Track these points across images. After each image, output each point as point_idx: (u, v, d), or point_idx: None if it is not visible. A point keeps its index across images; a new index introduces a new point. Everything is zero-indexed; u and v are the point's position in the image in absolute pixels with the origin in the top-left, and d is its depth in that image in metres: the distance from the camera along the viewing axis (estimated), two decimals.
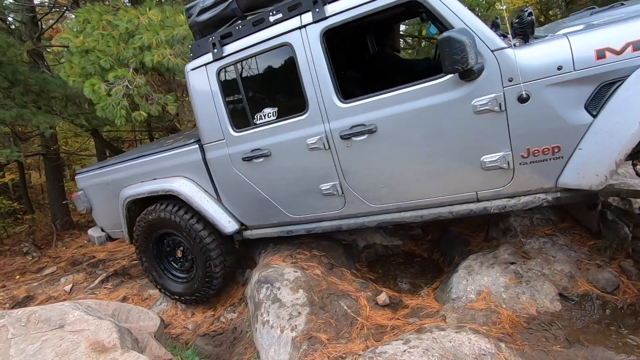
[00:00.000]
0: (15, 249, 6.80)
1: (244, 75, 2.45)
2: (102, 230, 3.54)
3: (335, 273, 2.68)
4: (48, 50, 7.40)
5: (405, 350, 1.73)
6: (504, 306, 2.08)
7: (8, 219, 8.52)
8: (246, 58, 2.38)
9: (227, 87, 2.50)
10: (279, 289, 2.45)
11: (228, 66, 2.44)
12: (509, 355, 1.70)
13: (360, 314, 2.28)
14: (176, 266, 3.14)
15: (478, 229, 3.12)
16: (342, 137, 2.21)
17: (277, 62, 2.42)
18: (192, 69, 2.56)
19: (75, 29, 3.73)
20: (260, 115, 2.43)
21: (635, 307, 1.98)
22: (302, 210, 2.54)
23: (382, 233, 3.28)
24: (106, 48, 3.58)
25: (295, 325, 2.22)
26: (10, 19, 6.83)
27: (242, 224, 2.78)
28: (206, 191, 2.75)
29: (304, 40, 2.19)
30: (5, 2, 5.99)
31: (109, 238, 3.54)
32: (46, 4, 7.62)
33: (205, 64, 2.49)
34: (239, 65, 2.42)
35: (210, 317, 3.01)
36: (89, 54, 3.65)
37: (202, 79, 2.52)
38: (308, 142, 2.30)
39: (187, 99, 7.13)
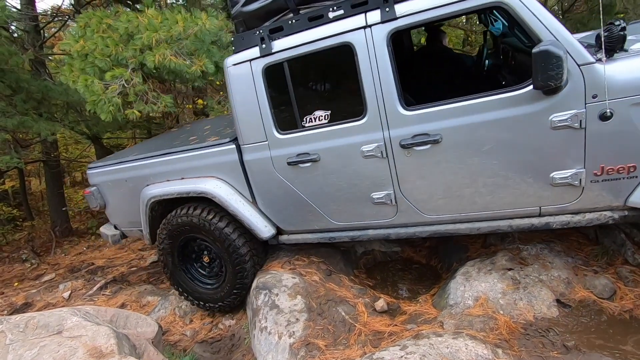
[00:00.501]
0: (14, 256, 6.78)
1: (294, 74, 2.26)
2: (116, 228, 3.32)
3: (334, 279, 2.69)
4: (50, 58, 7.48)
5: (402, 357, 1.73)
6: (501, 312, 2.09)
7: (7, 226, 8.51)
8: (298, 56, 2.18)
9: (274, 86, 2.32)
10: (277, 295, 2.45)
11: (277, 63, 2.25)
12: None
13: (358, 320, 2.28)
14: (201, 271, 2.98)
15: (476, 236, 3.13)
16: (402, 146, 2.09)
17: (333, 63, 2.27)
18: (234, 64, 2.35)
19: (75, 34, 3.74)
20: (310, 118, 2.28)
21: (632, 313, 1.99)
22: (348, 217, 2.44)
23: (380, 239, 3.29)
24: (105, 49, 3.56)
25: (293, 332, 2.22)
26: (13, 27, 6.92)
27: (278, 229, 2.67)
28: (241, 194, 2.60)
29: (367, 41, 2.03)
30: (8, 11, 6.07)
31: (124, 236, 3.34)
32: (49, 12, 7.72)
33: (250, 60, 2.30)
34: (289, 63, 2.23)
35: (208, 324, 3.00)
36: (88, 56, 3.63)
37: (245, 76, 2.33)
38: (363, 149, 2.18)
39: (187, 106, 7.19)
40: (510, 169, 2.00)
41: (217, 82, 4.89)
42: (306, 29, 2.16)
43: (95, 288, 4.11)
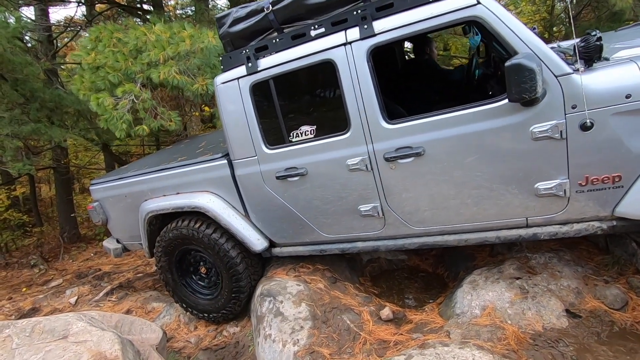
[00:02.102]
0: (23, 261, 6.87)
1: (280, 91, 2.33)
2: (118, 242, 3.44)
3: (339, 287, 2.67)
4: (62, 67, 7.66)
5: None
6: (509, 322, 2.05)
7: (17, 231, 8.64)
8: (283, 73, 2.25)
9: (261, 103, 2.39)
10: (281, 302, 2.44)
11: (263, 81, 2.32)
12: None
13: (363, 329, 2.25)
14: (201, 283, 3.04)
15: (483, 245, 3.08)
16: (386, 159, 2.12)
17: (317, 79, 2.35)
18: (223, 83, 2.43)
19: (87, 47, 3.85)
20: (297, 133, 2.34)
21: None
22: (338, 230, 2.47)
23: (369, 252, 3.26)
24: (115, 64, 3.67)
25: (298, 340, 2.20)
26: (27, 37, 7.11)
27: (271, 241, 2.71)
28: (234, 207, 2.66)
29: (348, 58, 2.08)
30: (23, 22, 6.26)
31: (125, 250, 3.44)
32: (62, 23, 7.93)
33: (238, 78, 2.38)
34: (275, 80, 2.30)
35: (212, 331, 2.99)
36: (99, 70, 3.75)
37: (233, 93, 2.41)
38: (349, 163, 2.21)
39: (195, 113, 7.28)
40: (495, 180, 2.00)
41: None
42: (290, 47, 2.22)
43: (101, 294, 4.14)
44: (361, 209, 2.31)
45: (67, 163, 7.92)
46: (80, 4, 7.34)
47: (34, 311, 4.16)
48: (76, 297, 4.25)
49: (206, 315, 2.96)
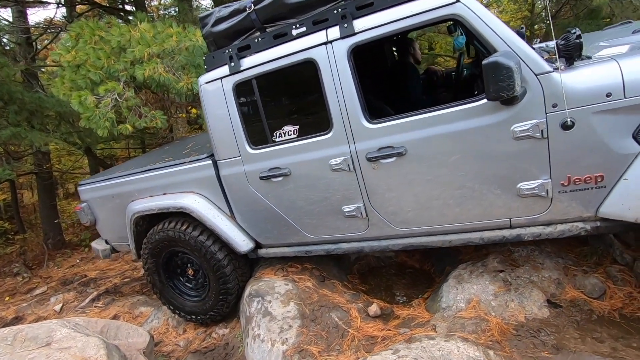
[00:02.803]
0: (5, 270, 6.69)
1: (262, 90, 2.32)
2: (107, 242, 3.41)
3: (327, 285, 2.68)
4: (42, 70, 7.48)
5: None
6: (493, 314, 2.09)
7: None
8: (265, 73, 2.24)
9: (244, 103, 2.39)
10: (270, 302, 2.44)
11: (246, 80, 2.31)
12: None
13: (351, 326, 2.27)
14: (189, 285, 3.02)
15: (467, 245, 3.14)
16: (368, 159, 2.11)
17: (299, 78, 2.34)
18: (206, 82, 2.42)
19: (67, 44, 3.76)
20: (280, 133, 2.33)
21: (622, 312, 2.01)
22: (322, 231, 2.46)
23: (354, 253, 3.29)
24: (97, 61, 3.59)
25: (286, 339, 2.21)
26: (5, 40, 6.93)
27: (257, 243, 2.69)
28: (219, 208, 2.64)
29: (329, 57, 2.07)
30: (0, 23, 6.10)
31: (114, 251, 3.42)
32: (41, 25, 7.74)
33: (221, 78, 2.37)
34: (257, 79, 2.29)
35: (201, 334, 2.97)
36: (80, 68, 3.66)
37: (217, 93, 2.40)
38: (331, 163, 2.20)
39: (181, 115, 7.20)
40: (477, 180, 1.99)
41: None
42: (272, 47, 2.21)
43: (87, 300, 4.06)
44: (345, 210, 2.30)
45: (50, 168, 7.74)
46: (59, 5, 7.18)
47: (17, 320, 4.06)
48: (61, 305, 4.16)
49: (194, 317, 2.94)
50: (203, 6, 9.34)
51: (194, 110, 7.31)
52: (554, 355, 1.75)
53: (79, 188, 3.31)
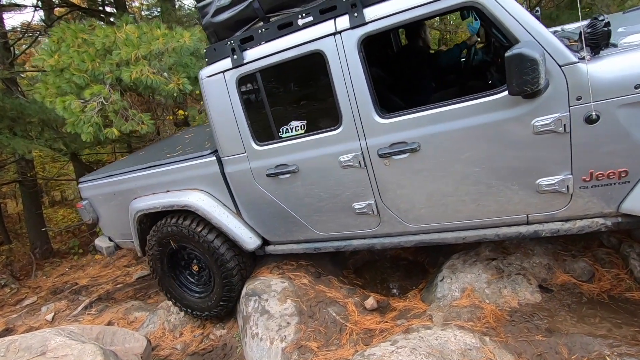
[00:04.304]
0: None
1: (267, 84, 2.22)
2: (110, 240, 3.35)
3: (323, 281, 2.69)
4: (22, 75, 7.29)
5: (393, 351, 1.75)
6: (487, 301, 2.13)
7: None
8: (270, 66, 2.13)
9: (248, 97, 2.29)
10: (266, 300, 2.44)
11: (249, 74, 2.20)
12: (493, 348, 1.75)
13: (349, 320, 2.29)
14: (193, 280, 2.97)
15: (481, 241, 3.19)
16: (380, 155, 2.03)
17: (306, 71, 2.22)
18: (208, 76, 2.31)
19: (49, 49, 3.67)
20: (287, 129, 2.23)
21: (610, 293, 2.07)
22: (332, 228, 2.40)
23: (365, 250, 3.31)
24: (81, 64, 3.52)
25: (285, 336, 2.21)
26: None
27: (264, 240, 2.63)
28: (225, 205, 2.56)
29: (338, 48, 1.96)
30: None
31: (118, 248, 3.36)
32: (18, 29, 7.53)
33: (223, 71, 2.26)
34: (262, 73, 2.19)
35: (199, 336, 2.95)
36: (63, 72, 3.58)
37: (219, 87, 2.29)
38: (341, 159, 2.13)
39: (167, 117, 7.12)
40: (494, 176, 1.92)
41: (197, 92, 4.88)
42: (276, 38, 2.11)
43: (80, 308, 4.00)
44: (355, 207, 2.24)
45: (34, 176, 7.57)
46: (37, 9, 7.00)
47: (7, 332, 3.98)
48: (53, 314, 4.08)
49: (190, 310, 2.93)
50: (186, 6, 9.22)
51: (180, 112, 7.23)
52: (547, 338, 1.80)
53: (80, 185, 3.24)
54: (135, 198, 2.84)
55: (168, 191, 2.70)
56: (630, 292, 2.03)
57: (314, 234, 2.47)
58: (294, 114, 2.25)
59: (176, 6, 7.65)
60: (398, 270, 2.99)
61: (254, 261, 2.89)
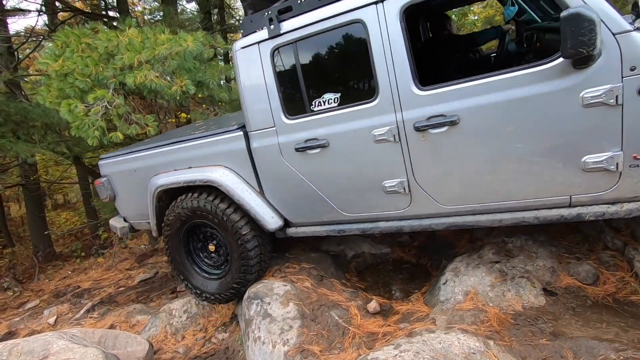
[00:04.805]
0: None
1: (303, 55, 2.18)
2: (125, 220, 3.30)
3: (325, 284, 2.68)
4: (25, 79, 7.34)
5: (396, 355, 1.74)
6: (491, 304, 2.12)
7: None
8: (308, 37, 2.11)
9: (282, 69, 2.26)
10: (269, 304, 2.43)
11: (285, 45, 2.18)
12: (497, 352, 1.73)
13: (351, 323, 2.28)
14: (208, 261, 2.89)
15: (463, 232, 3.18)
16: (416, 129, 1.96)
17: (344, 42, 2.16)
18: (242, 47, 2.30)
19: (53, 53, 3.71)
20: (320, 102, 2.18)
21: (615, 296, 2.05)
22: (359, 208, 2.30)
23: (369, 242, 3.31)
24: (85, 69, 3.55)
25: (287, 339, 2.20)
26: None
27: (285, 221, 2.54)
28: (248, 183, 2.50)
29: (379, 18, 1.93)
30: None
31: (132, 230, 3.30)
32: (22, 33, 7.60)
33: (258, 42, 2.24)
34: (298, 44, 2.15)
35: (201, 339, 2.94)
36: (67, 77, 3.62)
37: (252, 59, 2.27)
38: (374, 133, 2.06)
39: (170, 120, 7.14)
40: (536, 153, 1.83)
41: (200, 95, 4.90)
42: (316, 8, 2.09)
43: (82, 311, 4.00)
44: (386, 185, 2.15)
45: (37, 179, 7.60)
46: (41, 13, 7.06)
47: (10, 335, 3.98)
48: (55, 317, 4.08)
49: (206, 295, 2.84)
50: (188, 10, 9.28)
51: (183, 115, 7.25)
52: (551, 342, 1.78)
53: (100, 162, 3.25)
54: (156, 175, 2.79)
55: (190, 167, 2.66)
56: (635, 295, 2.02)
57: (339, 214, 2.37)
58: (328, 87, 2.21)
59: (178, 10, 7.70)
60: (401, 274, 2.98)
61: (273, 247, 2.79)
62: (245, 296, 2.61)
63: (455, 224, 2.12)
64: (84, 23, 7.32)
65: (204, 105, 5.95)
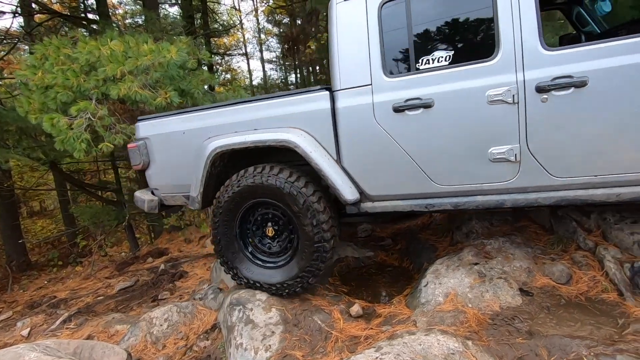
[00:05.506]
0: None
1: (415, 11, 2.08)
2: (153, 194, 2.94)
3: (308, 289, 2.68)
4: (0, 83, 7.11)
5: (377, 358, 1.75)
6: (470, 305, 2.16)
7: None
8: None
9: (389, 24, 2.15)
10: (251, 309, 2.42)
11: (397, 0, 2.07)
12: (475, 352, 1.77)
13: (334, 327, 2.28)
14: (264, 248, 2.61)
15: (444, 235, 3.24)
16: (538, 90, 1.87)
17: None
18: (345, 0, 2.20)
19: (32, 65, 3.63)
20: (428, 59, 2.08)
21: (587, 295, 2.13)
22: (456, 179, 2.12)
23: (352, 245, 3.33)
24: (65, 82, 3.49)
25: (270, 345, 2.19)
26: None
27: (361, 193, 2.34)
28: (325, 149, 2.31)
29: None
30: None
31: (161, 205, 2.92)
32: None
33: None
34: None
35: (182, 348, 2.88)
36: (48, 89, 3.55)
37: (356, 12, 2.17)
38: (490, 94, 1.94)
39: None
40: None
41: (182, 102, 4.87)
42: None
43: (58, 322, 3.86)
44: (493, 152, 2.00)
45: (11, 185, 7.34)
46: (16, 15, 6.87)
47: None
48: (29, 329, 3.93)
49: (271, 287, 2.52)
50: (171, 14, 9.20)
51: None
52: (527, 341, 1.83)
53: (138, 124, 2.86)
54: (209, 138, 2.53)
55: (255, 129, 2.43)
56: (606, 293, 2.09)
57: (431, 186, 2.18)
58: (440, 44, 2.11)
59: (161, 14, 7.62)
60: (384, 277, 3.00)
61: (339, 228, 2.59)
62: (227, 302, 2.58)
63: (565, 199, 1.98)
64: (62, 26, 7.16)
65: None
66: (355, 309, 2.42)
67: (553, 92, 1.86)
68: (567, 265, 2.31)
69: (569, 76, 1.83)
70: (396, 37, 2.14)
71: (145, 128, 2.81)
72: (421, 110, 2.08)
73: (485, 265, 2.41)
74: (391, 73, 2.16)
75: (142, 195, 2.96)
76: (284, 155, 2.48)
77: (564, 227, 2.59)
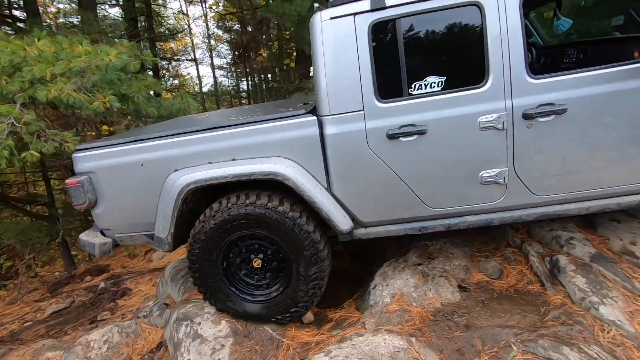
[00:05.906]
0: None
1: (407, 33, 2.05)
2: (103, 234, 2.55)
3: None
4: None
5: None
6: (414, 304, 2.28)
7: None
8: (415, 14, 2.00)
9: (381, 46, 2.08)
10: (199, 324, 2.33)
11: (388, 20, 2.02)
12: (419, 348, 1.87)
13: (286, 336, 2.28)
14: (250, 281, 2.41)
15: (391, 239, 3.38)
16: (525, 117, 1.99)
17: (456, 24, 2.08)
18: (332, 18, 2.07)
19: None
20: (420, 85, 2.07)
21: (516, 287, 2.34)
22: (448, 201, 2.20)
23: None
24: None
25: (219, 359, 2.12)
26: None
27: (353, 220, 2.30)
28: (314, 177, 2.21)
29: (499, 5, 1.94)
30: None
31: (116, 245, 2.57)
32: None
33: (354, 14, 2.05)
34: (402, 21, 2.02)
35: None
36: None
37: (344, 32, 2.05)
38: (481, 120, 2.02)
39: (89, 133, 6.54)
40: (628, 142, 2.01)
41: (122, 107, 4.59)
42: None
43: None
44: (483, 175, 2.11)
45: None
46: None
47: None
48: None
49: (274, 317, 2.37)
50: (111, 15, 8.70)
51: (105, 127, 6.70)
52: (464, 334, 1.97)
53: (77, 155, 2.38)
54: (177, 170, 2.24)
55: (234, 159, 2.20)
56: (531, 285, 2.32)
57: (424, 209, 2.23)
58: (432, 69, 2.10)
59: (99, 15, 7.18)
60: (335, 282, 3.05)
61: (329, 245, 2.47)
62: (174, 318, 2.47)
63: (545, 214, 2.17)
64: None
65: (129, 118, 5.58)
66: (307, 315, 2.44)
67: (538, 119, 2.01)
68: (498, 261, 2.53)
69: (551, 104, 1.99)
70: (390, 59, 2.09)
71: (89, 160, 2.36)
72: (415, 136, 2.09)
73: (428, 265, 2.56)
74: (384, 98, 2.11)
75: (89, 239, 2.54)
76: (259, 182, 2.29)
77: (496, 227, 2.84)
